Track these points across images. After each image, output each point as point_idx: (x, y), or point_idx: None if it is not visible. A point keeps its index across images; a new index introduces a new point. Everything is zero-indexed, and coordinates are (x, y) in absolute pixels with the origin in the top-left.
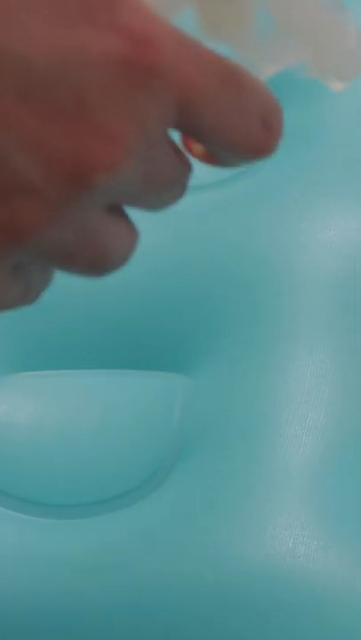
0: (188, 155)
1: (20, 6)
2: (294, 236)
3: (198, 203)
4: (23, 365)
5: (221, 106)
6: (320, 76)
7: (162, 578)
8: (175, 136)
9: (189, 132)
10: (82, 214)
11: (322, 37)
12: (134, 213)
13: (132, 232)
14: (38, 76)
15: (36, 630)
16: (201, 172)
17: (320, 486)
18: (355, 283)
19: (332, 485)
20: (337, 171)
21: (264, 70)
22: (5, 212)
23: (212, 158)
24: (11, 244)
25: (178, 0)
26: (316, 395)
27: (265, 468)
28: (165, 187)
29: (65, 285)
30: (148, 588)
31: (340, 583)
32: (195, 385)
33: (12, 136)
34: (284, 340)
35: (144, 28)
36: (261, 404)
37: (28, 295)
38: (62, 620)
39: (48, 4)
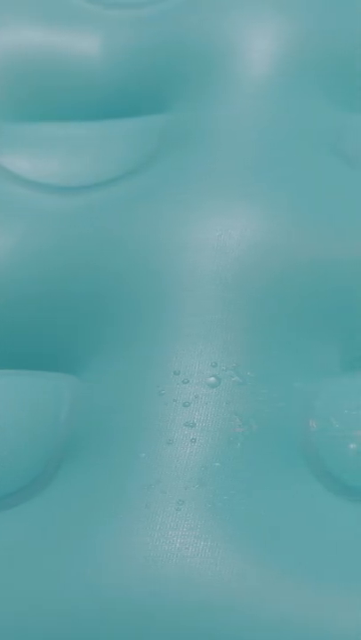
0: None
1: None
2: (180, 236)
3: (83, 203)
4: None
5: None
6: None
7: (44, 579)
8: None
9: None
10: None
11: None
12: (19, 210)
13: None
14: None
15: None
16: (84, 172)
17: (209, 486)
18: (242, 283)
19: (221, 485)
20: (222, 171)
21: None
22: None
23: None
24: None
25: None
26: (205, 394)
27: (152, 467)
28: None
29: None
30: (28, 592)
31: (228, 583)
32: (83, 385)
33: None
34: (171, 339)
35: None
36: (148, 404)
37: None
38: None
39: None
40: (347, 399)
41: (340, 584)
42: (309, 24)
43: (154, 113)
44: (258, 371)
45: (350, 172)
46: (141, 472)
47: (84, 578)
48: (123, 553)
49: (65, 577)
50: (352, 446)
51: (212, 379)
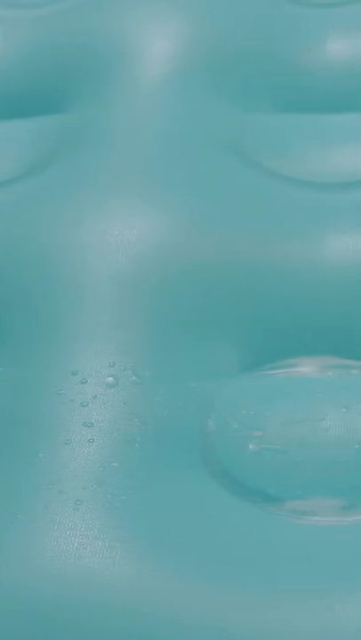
0: None
1: None
2: (78, 236)
3: None
4: None
5: None
6: None
7: None
8: None
9: None
10: None
11: None
12: None
13: None
14: None
15: None
16: None
17: (107, 486)
18: (140, 282)
19: (119, 485)
20: (120, 171)
21: None
22: None
23: None
24: None
25: None
26: (103, 394)
27: (50, 467)
28: None
29: None
30: None
31: (126, 583)
32: None
33: None
34: (69, 339)
35: None
36: (46, 404)
37: None
38: None
39: None
40: (245, 400)
41: (234, 584)
42: (208, 25)
43: (52, 113)
44: (156, 370)
45: (249, 173)
46: (40, 472)
47: None
48: (24, 553)
49: None
50: (250, 447)
51: (111, 379)
